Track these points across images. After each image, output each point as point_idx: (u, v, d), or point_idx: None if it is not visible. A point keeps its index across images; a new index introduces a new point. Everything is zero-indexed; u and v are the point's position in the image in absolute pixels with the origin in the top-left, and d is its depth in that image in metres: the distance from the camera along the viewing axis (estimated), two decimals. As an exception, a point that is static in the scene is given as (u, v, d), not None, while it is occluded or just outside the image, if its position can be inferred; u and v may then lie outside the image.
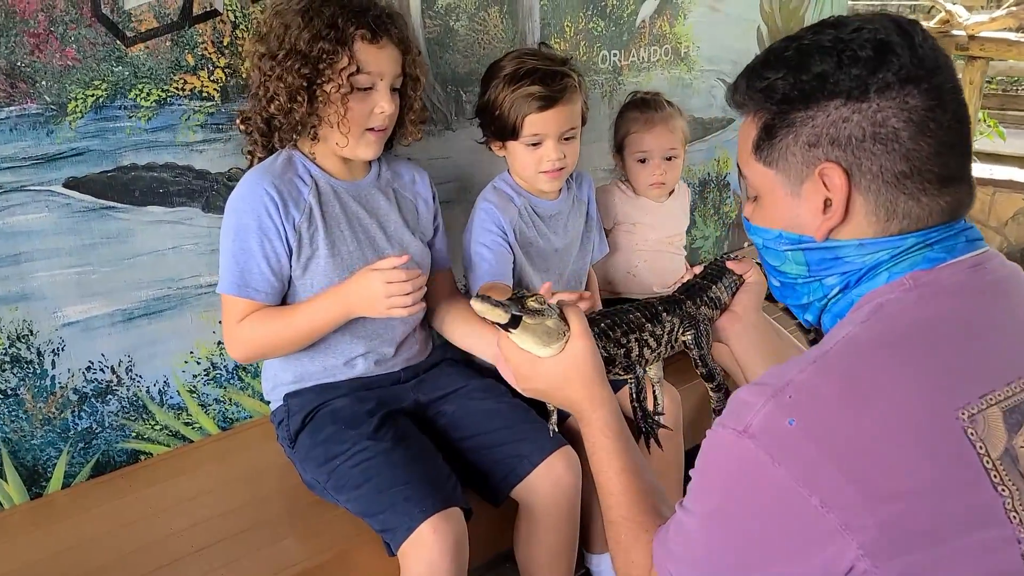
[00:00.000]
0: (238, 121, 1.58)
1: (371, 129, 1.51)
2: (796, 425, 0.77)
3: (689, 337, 1.39)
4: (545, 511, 1.52)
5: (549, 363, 1.10)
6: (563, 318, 1.11)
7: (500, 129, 1.75)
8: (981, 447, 0.75)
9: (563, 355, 1.09)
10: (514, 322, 1.06)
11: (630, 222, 2.17)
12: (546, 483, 1.51)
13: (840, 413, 0.77)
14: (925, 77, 0.83)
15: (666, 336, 1.36)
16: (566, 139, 1.75)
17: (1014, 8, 5.20)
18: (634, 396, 1.35)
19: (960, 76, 0.91)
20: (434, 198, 1.72)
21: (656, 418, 1.36)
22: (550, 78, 1.69)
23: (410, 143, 1.67)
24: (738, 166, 1.00)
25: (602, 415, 1.09)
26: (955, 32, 5.17)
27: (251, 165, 1.57)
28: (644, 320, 1.34)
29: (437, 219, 1.73)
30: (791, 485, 0.76)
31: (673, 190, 2.19)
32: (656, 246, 2.20)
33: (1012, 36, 5.24)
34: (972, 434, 0.75)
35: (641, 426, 1.34)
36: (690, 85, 2.70)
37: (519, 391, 1.18)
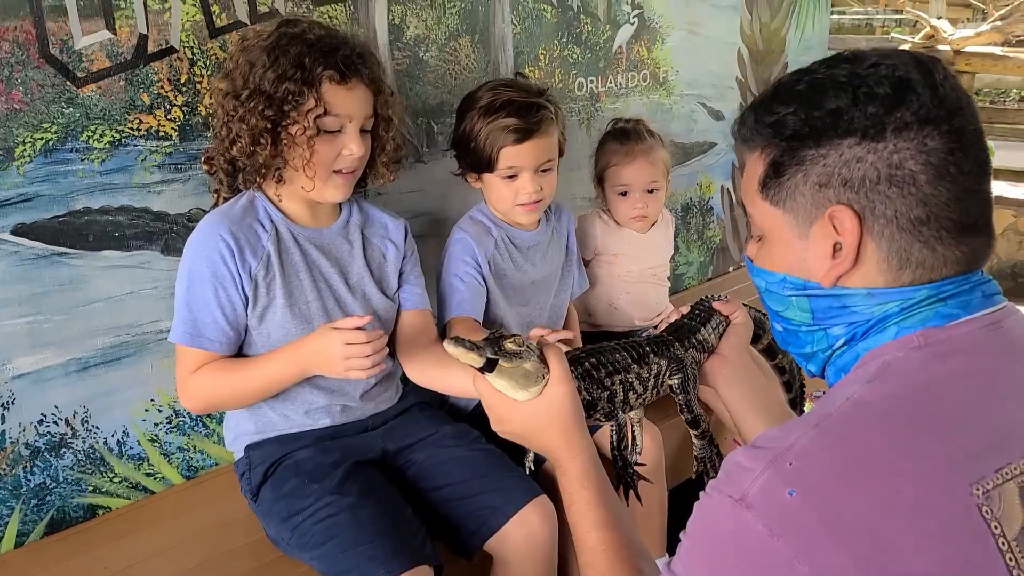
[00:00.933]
0: (202, 160, 1.51)
1: (339, 171, 1.45)
2: (796, 496, 0.71)
3: (676, 382, 1.32)
4: (520, 565, 1.45)
5: (526, 407, 1.05)
6: (543, 359, 1.05)
7: (476, 161, 1.71)
8: (996, 527, 0.69)
9: (541, 399, 1.05)
10: (489, 365, 1.01)
11: (611, 253, 2.12)
12: (520, 535, 1.44)
13: (844, 486, 0.72)
14: (946, 118, 0.78)
15: (652, 379, 1.30)
16: (543, 171, 1.73)
17: (999, 23, 5.20)
18: (614, 444, 1.28)
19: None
20: (406, 243, 1.64)
21: (635, 467, 1.30)
22: (526, 110, 1.66)
23: (383, 184, 1.62)
24: (742, 203, 0.95)
25: (580, 464, 1.04)
26: (940, 47, 5.17)
27: (215, 204, 1.52)
28: (630, 361, 1.27)
29: (407, 266, 1.64)
30: (790, 561, 0.70)
31: (656, 221, 2.14)
32: (639, 277, 2.15)
33: (998, 51, 5.24)
34: (987, 512, 0.69)
35: (621, 476, 1.28)
36: (670, 110, 2.66)
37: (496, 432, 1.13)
